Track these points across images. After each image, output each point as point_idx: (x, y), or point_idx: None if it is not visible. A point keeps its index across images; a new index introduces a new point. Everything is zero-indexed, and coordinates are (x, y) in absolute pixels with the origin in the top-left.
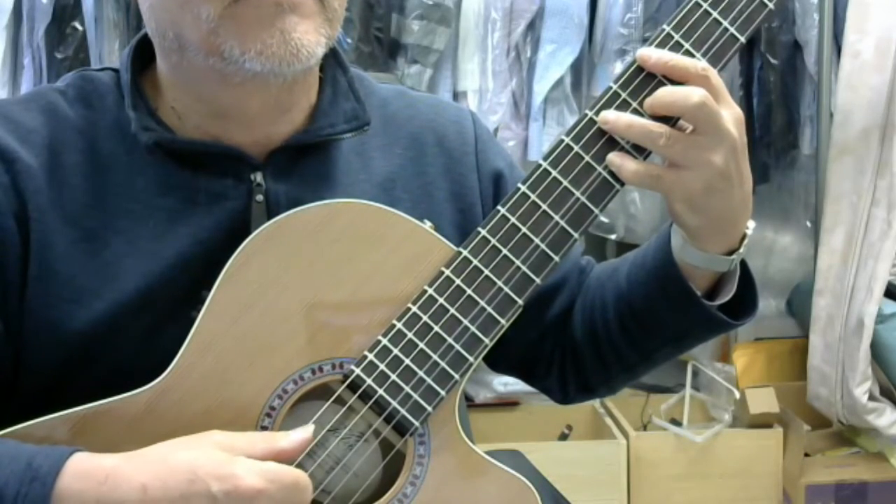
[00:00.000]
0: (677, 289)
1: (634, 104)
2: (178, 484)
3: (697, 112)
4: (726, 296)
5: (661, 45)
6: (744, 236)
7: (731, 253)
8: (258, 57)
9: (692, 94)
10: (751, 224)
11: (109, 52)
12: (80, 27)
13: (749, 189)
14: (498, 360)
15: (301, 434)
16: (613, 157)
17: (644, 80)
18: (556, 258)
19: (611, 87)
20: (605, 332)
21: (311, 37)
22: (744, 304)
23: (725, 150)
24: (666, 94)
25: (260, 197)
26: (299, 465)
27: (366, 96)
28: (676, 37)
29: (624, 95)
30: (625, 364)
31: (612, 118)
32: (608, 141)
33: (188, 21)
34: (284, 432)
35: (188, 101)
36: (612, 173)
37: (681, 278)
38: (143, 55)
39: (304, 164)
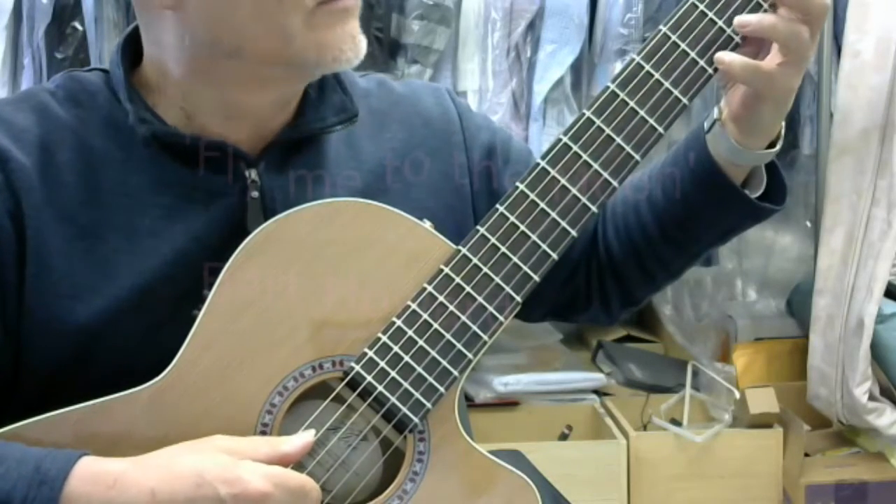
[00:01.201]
0: (726, 193)
1: (632, 103)
2: (186, 488)
3: (822, 10)
4: (759, 186)
5: (658, 45)
6: (780, 128)
7: (771, 146)
8: (333, 63)
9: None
10: None
11: (109, 52)
12: (80, 27)
13: None
14: (531, 311)
15: (303, 438)
16: (723, 56)
17: (643, 78)
18: (554, 255)
19: (608, 87)
20: (647, 247)
21: (362, 36)
22: (774, 189)
23: (814, 50)
24: None
25: (255, 193)
26: (299, 464)
27: (350, 88)
28: (673, 37)
29: (622, 95)
30: (670, 270)
31: (749, 19)
32: (605, 140)
33: (261, 31)
34: (286, 437)
35: (203, 102)
36: (611, 172)
37: (729, 181)
38: (132, 54)
39: (296, 159)
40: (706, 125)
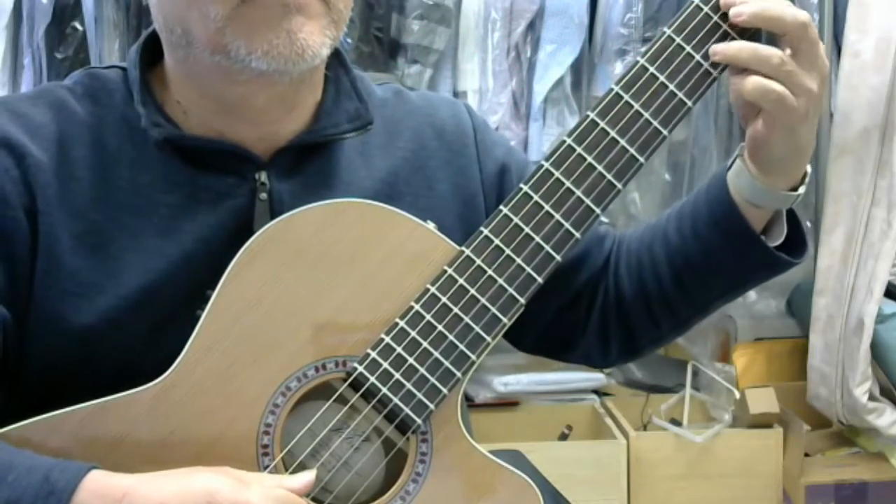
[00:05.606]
0: (742, 235)
1: (636, 105)
2: None
3: (804, 32)
4: (779, 237)
5: (663, 48)
6: (805, 173)
7: (793, 190)
8: (264, 57)
9: (800, 14)
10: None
11: (109, 52)
12: (80, 27)
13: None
14: (524, 336)
15: (307, 478)
16: (736, 79)
17: (647, 80)
18: (558, 257)
19: (612, 89)
20: (657, 290)
21: (316, 37)
22: (794, 243)
23: (821, 77)
24: (773, 7)
25: (263, 196)
26: (301, 465)
27: (366, 96)
28: (678, 40)
29: (626, 98)
30: (677, 319)
31: (722, 48)
32: (609, 143)
33: (195, 18)
34: (290, 476)
35: (193, 96)
36: (614, 174)
37: (746, 224)
38: (152, 51)
39: (308, 164)
40: (729, 163)
